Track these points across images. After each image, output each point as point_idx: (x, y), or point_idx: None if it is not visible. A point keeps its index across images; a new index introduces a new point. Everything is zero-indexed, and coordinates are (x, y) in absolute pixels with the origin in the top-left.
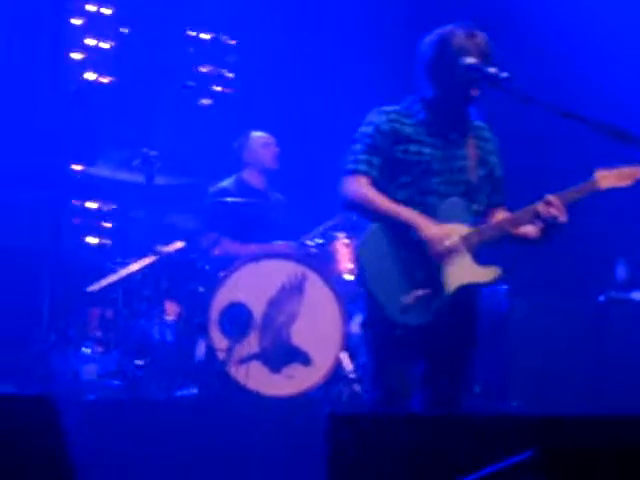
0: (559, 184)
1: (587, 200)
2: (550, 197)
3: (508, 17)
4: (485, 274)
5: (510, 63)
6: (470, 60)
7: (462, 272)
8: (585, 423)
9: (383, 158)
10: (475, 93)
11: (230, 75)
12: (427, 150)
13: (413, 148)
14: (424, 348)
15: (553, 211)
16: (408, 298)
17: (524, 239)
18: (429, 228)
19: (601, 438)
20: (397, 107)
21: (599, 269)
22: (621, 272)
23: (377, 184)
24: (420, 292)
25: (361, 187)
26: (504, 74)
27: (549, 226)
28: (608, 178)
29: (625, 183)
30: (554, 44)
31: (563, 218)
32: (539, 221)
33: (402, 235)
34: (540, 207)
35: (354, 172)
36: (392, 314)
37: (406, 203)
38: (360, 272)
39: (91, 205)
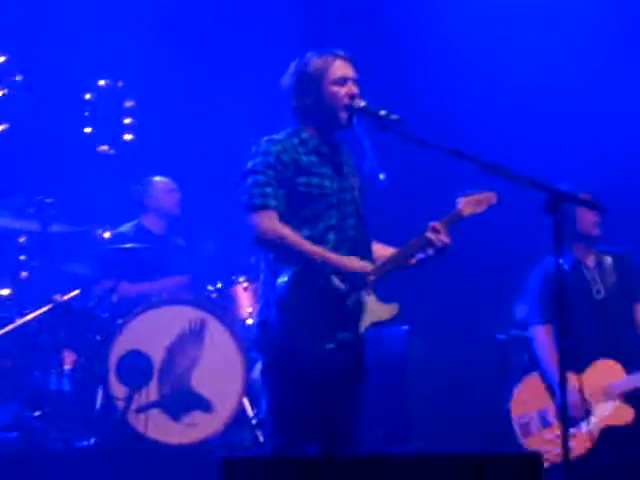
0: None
1: (486, 240)
2: (435, 224)
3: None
4: (387, 310)
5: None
6: (360, 103)
7: (370, 310)
8: (483, 460)
9: (287, 191)
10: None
11: (127, 121)
12: (326, 182)
13: (314, 180)
14: (325, 386)
15: (442, 237)
16: (330, 343)
17: (414, 266)
18: (358, 264)
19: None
20: (290, 135)
21: (498, 308)
22: (520, 311)
23: (282, 218)
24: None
25: (273, 223)
26: (394, 116)
27: (438, 251)
28: (468, 205)
29: (481, 209)
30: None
31: (449, 241)
32: (430, 248)
33: (319, 278)
34: (431, 235)
35: (262, 207)
36: (312, 358)
37: (309, 239)
38: (279, 313)
39: None
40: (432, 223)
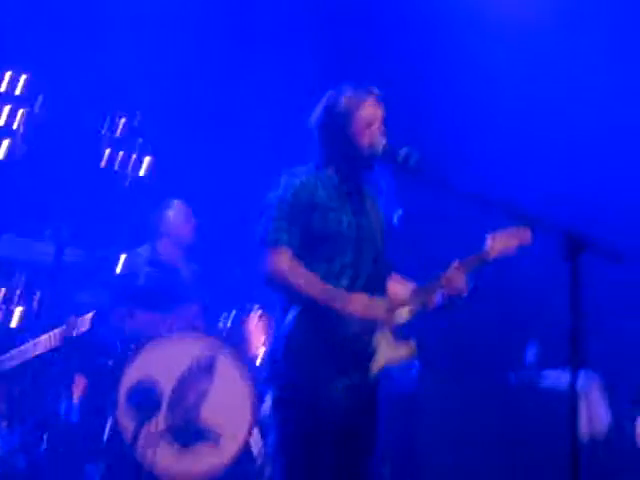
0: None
1: (501, 278)
2: (456, 264)
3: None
4: (404, 350)
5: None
6: (380, 146)
7: (384, 350)
8: None
9: (302, 227)
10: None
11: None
12: (343, 219)
13: (330, 217)
14: (333, 425)
15: (457, 285)
16: (338, 383)
17: (433, 307)
18: (369, 304)
19: None
20: (310, 171)
21: (510, 349)
22: (531, 353)
23: (297, 255)
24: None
25: (285, 262)
26: (414, 158)
27: (451, 299)
28: (497, 244)
29: (512, 247)
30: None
31: (464, 290)
32: (449, 289)
33: (327, 319)
34: (445, 282)
35: (275, 243)
36: (320, 399)
37: (324, 276)
38: (286, 350)
39: None
40: (455, 262)
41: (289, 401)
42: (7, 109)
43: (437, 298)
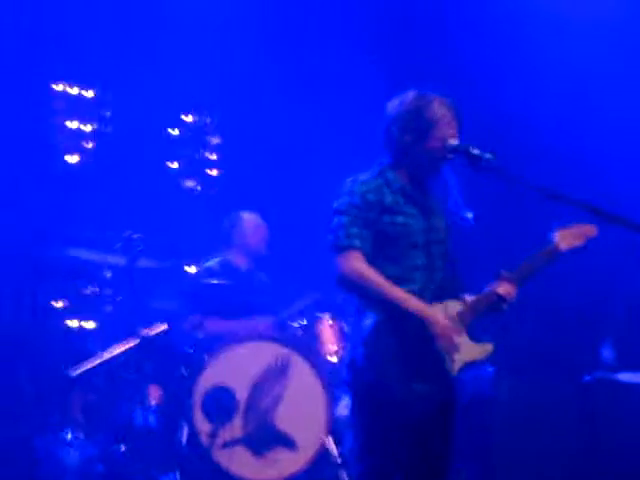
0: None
1: (575, 279)
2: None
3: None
4: (480, 351)
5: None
6: (453, 141)
7: (463, 350)
8: None
9: (372, 231)
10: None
11: (213, 157)
12: (411, 221)
13: (399, 219)
14: (414, 427)
15: (510, 290)
16: (418, 384)
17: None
18: (438, 321)
19: None
20: (375, 175)
21: (585, 349)
22: (607, 353)
23: (368, 258)
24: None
25: (358, 265)
26: (488, 155)
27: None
28: (565, 238)
29: (580, 242)
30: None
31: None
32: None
33: (406, 323)
34: (500, 290)
35: (348, 248)
36: (397, 396)
37: (396, 279)
38: (366, 354)
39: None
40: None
41: (370, 404)
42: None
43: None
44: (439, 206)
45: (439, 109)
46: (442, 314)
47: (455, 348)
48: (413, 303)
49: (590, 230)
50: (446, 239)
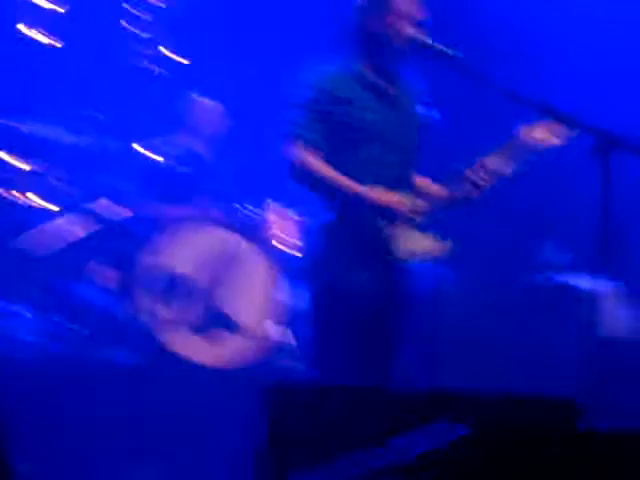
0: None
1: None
2: (485, 161)
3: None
4: (436, 246)
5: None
6: (415, 36)
7: (412, 242)
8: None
9: (328, 123)
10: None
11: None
12: (369, 115)
13: (356, 113)
14: (363, 315)
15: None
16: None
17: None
18: (390, 198)
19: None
20: (338, 66)
21: (528, 251)
22: (551, 255)
23: (323, 152)
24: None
25: (311, 158)
26: (450, 52)
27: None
28: (533, 133)
29: (547, 138)
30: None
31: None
32: (473, 187)
33: (356, 212)
34: (472, 175)
35: (301, 140)
36: (347, 284)
37: (352, 170)
38: (318, 243)
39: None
40: (482, 159)
41: (322, 292)
42: None
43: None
44: (406, 98)
45: None
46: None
47: (410, 220)
48: (363, 189)
49: (557, 130)
50: (409, 133)
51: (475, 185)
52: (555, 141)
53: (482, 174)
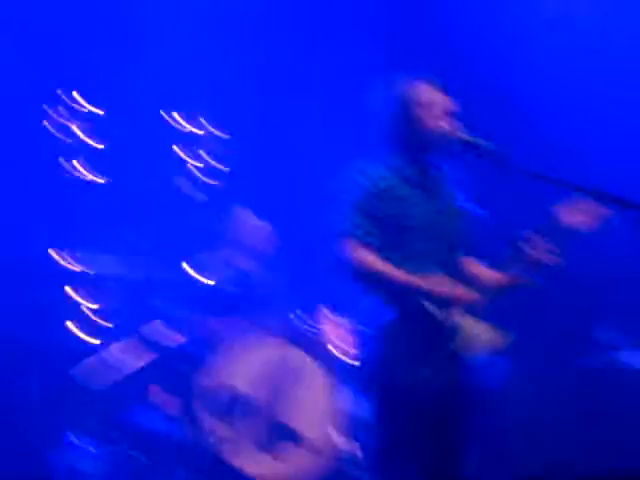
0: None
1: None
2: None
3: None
4: (497, 337)
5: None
6: (463, 135)
7: (474, 332)
8: None
9: (379, 220)
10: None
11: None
12: (414, 210)
13: (404, 208)
14: (426, 412)
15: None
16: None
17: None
18: (451, 287)
19: None
20: (381, 163)
21: (583, 332)
22: (607, 335)
23: (377, 249)
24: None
25: (365, 255)
26: (493, 146)
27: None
28: (568, 214)
29: (585, 220)
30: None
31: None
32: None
33: (415, 309)
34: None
35: (357, 238)
36: (408, 383)
37: (400, 264)
38: (377, 347)
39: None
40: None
41: (384, 395)
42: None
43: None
44: (447, 191)
45: (427, 90)
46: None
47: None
48: (423, 282)
49: (595, 209)
50: (455, 225)
51: (529, 259)
52: (593, 222)
53: (532, 248)
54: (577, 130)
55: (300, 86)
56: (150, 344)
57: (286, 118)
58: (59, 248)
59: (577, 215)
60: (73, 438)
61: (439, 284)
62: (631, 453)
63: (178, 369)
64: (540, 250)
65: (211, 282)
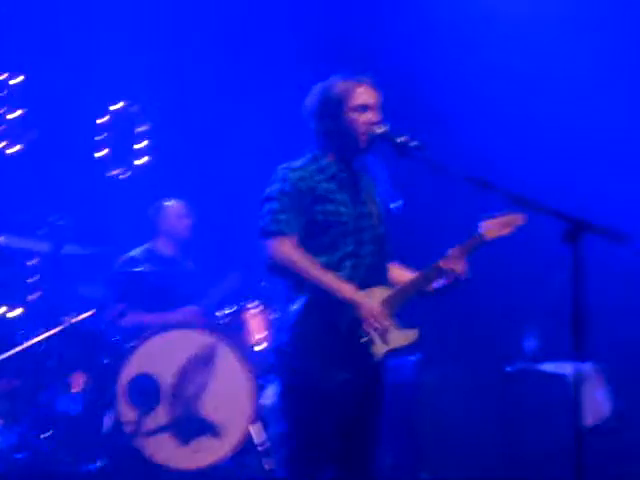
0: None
1: (497, 269)
2: (451, 251)
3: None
4: (405, 337)
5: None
6: (379, 130)
7: (388, 336)
8: None
9: (303, 218)
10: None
11: (141, 145)
12: (343, 209)
13: (330, 207)
14: (340, 413)
15: (456, 266)
16: (342, 371)
17: (431, 295)
18: (366, 305)
19: None
20: (308, 161)
21: (507, 340)
22: (530, 343)
23: (300, 245)
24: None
25: (287, 250)
26: (414, 143)
27: (453, 281)
28: (492, 229)
29: (507, 231)
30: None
31: (462, 271)
32: (445, 278)
33: (332, 308)
34: (444, 265)
35: (275, 233)
36: (323, 382)
37: (327, 267)
38: (292, 340)
39: None
40: (450, 250)
41: (298, 389)
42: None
43: (436, 283)
44: (372, 191)
45: (344, 87)
46: (370, 299)
47: (381, 332)
48: (343, 287)
49: (517, 219)
50: (378, 224)
51: (448, 274)
52: (511, 231)
53: (452, 265)
54: (487, 131)
55: (232, 81)
56: (70, 326)
57: (218, 114)
58: None
59: (500, 229)
60: None
61: (353, 295)
62: (547, 459)
63: (95, 353)
64: (458, 266)
65: (137, 269)
